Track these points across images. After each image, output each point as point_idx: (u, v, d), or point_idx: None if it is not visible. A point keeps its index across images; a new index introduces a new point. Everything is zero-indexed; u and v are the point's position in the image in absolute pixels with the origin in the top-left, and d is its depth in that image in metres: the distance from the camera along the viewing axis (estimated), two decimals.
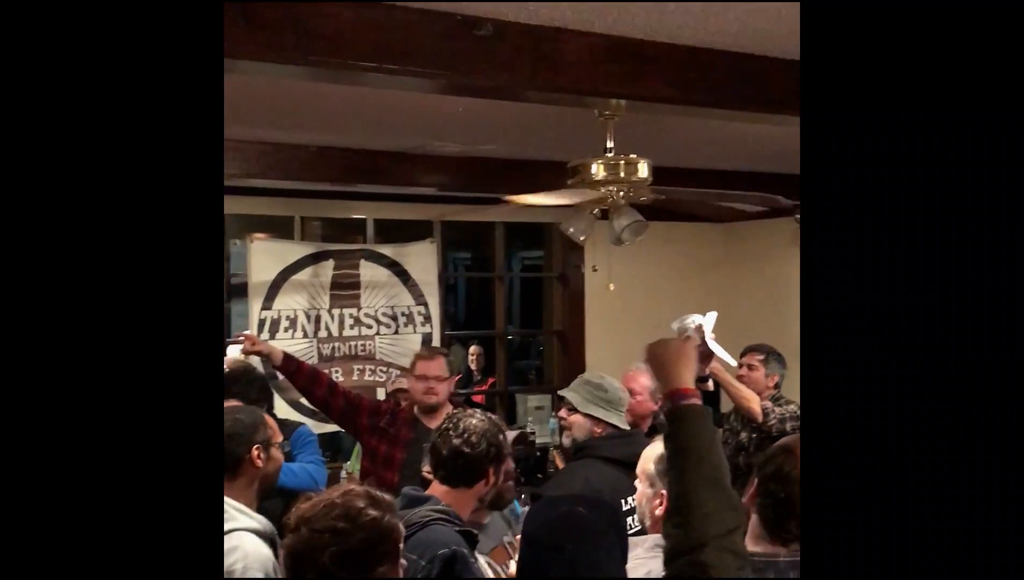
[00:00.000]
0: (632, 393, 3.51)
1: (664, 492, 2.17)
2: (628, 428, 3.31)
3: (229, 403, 3.14)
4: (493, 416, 2.53)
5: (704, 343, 2.98)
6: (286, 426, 3.51)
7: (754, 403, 3.99)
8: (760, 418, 3.98)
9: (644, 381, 3.59)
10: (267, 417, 2.65)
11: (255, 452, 2.48)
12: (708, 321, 3.01)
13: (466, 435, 2.40)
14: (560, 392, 3.41)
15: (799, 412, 3.93)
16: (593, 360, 5.81)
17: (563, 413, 3.34)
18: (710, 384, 3.24)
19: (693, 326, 3.00)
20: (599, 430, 3.23)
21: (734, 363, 3.07)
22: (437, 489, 2.41)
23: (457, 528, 2.30)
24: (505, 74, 2.35)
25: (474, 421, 2.43)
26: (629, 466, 2.72)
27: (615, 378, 3.45)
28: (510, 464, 2.50)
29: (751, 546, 2.08)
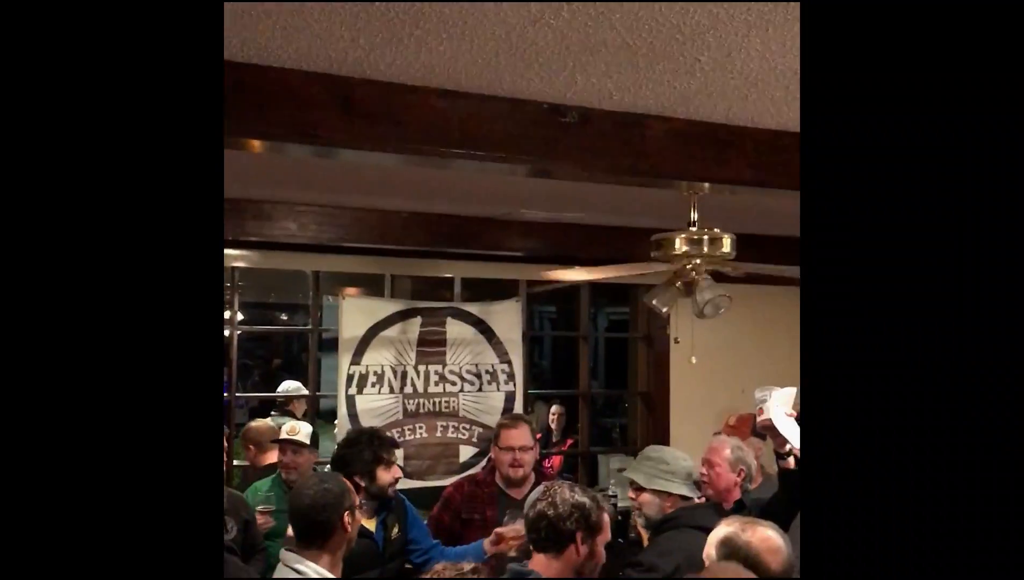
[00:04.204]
0: (712, 465, 3.50)
1: None
2: (700, 497, 3.27)
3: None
4: (595, 494, 2.55)
5: (769, 418, 3.01)
6: None
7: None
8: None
9: (725, 453, 3.58)
10: (347, 482, 2.70)
11: (346, 518, 2.53)
12: (783, 396, 3.01)
13: (553, 499, 2.46)
14: (624, 473, 3.39)
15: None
16: (677, 423, 5.76)
17: (631, 494, 3.31)
18: (791, 461, 3.22)
19: (769, 398, 3.03)
20: (668, 504, 3.19)
21: (797, 445, 3.07)
22: (536, 560, 2.46)
23: None
24: (591, 159, 2.43)
25: (567, 491, 2.49)
26: None
27: (685, 447, 3.44)
28: (600, 546, 2.49)
29: None
